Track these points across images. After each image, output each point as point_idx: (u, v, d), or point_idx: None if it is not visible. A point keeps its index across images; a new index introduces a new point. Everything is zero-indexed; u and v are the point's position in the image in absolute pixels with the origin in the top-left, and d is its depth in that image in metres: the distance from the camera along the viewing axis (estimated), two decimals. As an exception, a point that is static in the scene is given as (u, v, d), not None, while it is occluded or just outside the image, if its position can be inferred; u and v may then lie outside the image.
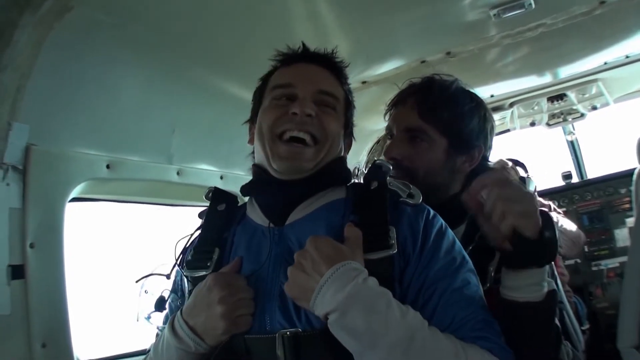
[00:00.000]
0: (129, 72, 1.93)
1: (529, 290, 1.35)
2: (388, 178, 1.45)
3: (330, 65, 1.57)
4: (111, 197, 2.19)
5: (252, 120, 1.61)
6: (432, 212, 1.43)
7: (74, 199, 1.87)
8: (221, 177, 2.52)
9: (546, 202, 3.72)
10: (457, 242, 1.40)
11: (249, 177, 1.59)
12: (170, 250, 1.56)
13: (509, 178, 1.48)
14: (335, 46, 1.59)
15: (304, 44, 1.57)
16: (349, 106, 1.59)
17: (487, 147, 1.85)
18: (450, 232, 1.41)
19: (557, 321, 1.45)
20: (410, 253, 1.33)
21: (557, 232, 1.38)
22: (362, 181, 1.51)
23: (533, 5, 2.13)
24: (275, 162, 1.43)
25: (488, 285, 1.44)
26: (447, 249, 1.35)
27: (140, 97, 2.02)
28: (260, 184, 1.53)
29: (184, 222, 2.45)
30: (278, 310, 1.31)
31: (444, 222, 1.42)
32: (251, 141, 1.59)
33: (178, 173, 2.26)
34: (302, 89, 1.46)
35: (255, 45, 2.01)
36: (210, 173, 2.48)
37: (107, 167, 1.92)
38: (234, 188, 2.40)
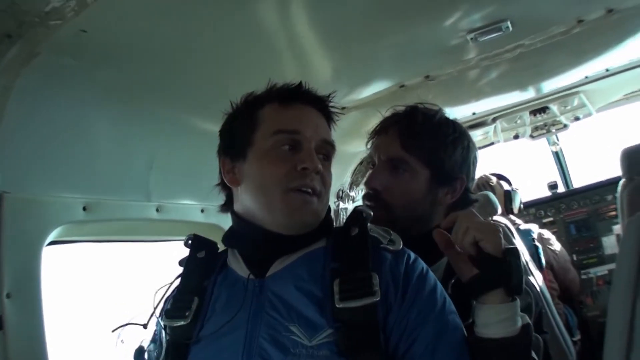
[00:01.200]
0: (101, 113, 1.89)
1: (502, 325, 1.34)
2: (369, 224, 1.42)
3: (327, 110, 1.52)
4: (89, 238, 2.14)
5: (230, 156, 1.50)
6: (412, 256, 1.40)
7: (52, 243, 1.81)
8: (202, 211, 2.47)
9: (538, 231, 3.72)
10: (439, 284, 1.38)
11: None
12: (149, 295, 1.52)
13: (475, 213, 1.49)
14: (334, 91, 1.54)
15: (301, 82, 1.48)
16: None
17: (470, 178, 1.83)
18: (431, 275, 1.39)
19: (534, 354, 1.43)
20: (392, 299, 1.30)
21: (523, 262, 1.40)
22: (347, 205, 1.50)
23: (510, 28, 2.12)
24: (285, 216, 1.39)
25: (471, 320, 1.42)
26: (428, 293, 1.34)
27: (114, 137, 1.97)
28: (245, 236, 1.49)
29: (165, 259, 2.40)
30: None
31: (425, 266, 1.40)
32: (234, 182, 1.50)
33: (157, 210, 2.21)
34: (307, 139, 1.40)
35: (231, 78, 1.98)
36: (190, 207, 2.43)
37: (84, 209, 1.86)
38: (216, 221, 2.38)
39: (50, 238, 1.76)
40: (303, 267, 1.38)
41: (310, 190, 1.38)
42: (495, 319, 1.34)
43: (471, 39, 2.16)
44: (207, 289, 1.46)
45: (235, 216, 1.50)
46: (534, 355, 1.44)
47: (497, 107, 3.44)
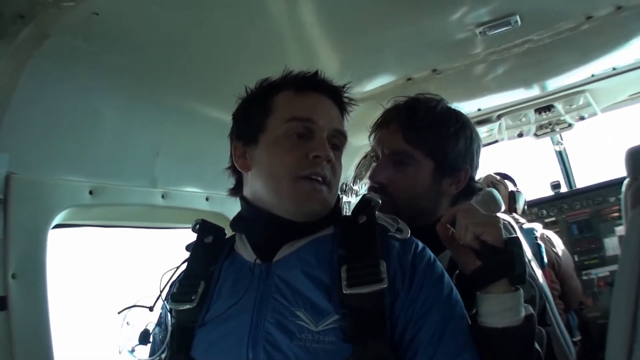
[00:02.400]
0: (109, 97, 1.89)
1: (506, 315, 1.34)
2: (377, 213, 1.43)
3: (341, 101, 1.52)
4: (95, 222, 2.14)
5: (242, 140, 1.51)
6: (420, 245, 1.41)
7: (57, 226, 1.82)
8: (207, 199, 2.47)
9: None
10: (446, 274, 1.39)
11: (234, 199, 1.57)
12: (155, 280, 1.53)
13: (474, 207, 1.49)
14: (349, 82, 1.55)
15: (317, 71, 1.48)
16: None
17: (474, 167, 1.83)
18: (438, 264, 1.40)
19: (537, 345, 1.43)
20: (399, 287, 1.31)
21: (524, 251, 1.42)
22: (350, 199, 1.51)
23: (519, 23, 2.12)
24: (294, 204, 1.39)
25: (475, 310, 1.42)
26: (435, 282, 1.34)
27: (121, 122, 1.98)
28: (253, 221, 1.49)
29: (170, 246, 2.42)
30: (262, 348, 1.27)
31: (432, 255, 1.40)
32: (245, 167, 1.50)
33: (163, 196, 2.22)
34: (320, 127, 1.41)
35: (238, 67, 1.98)
36: (195, 195, 2.43)
37: (90, 193, 1.86)
38: (220, 209, 2.39)
39: (56, 221, 1.76)
40: (310, 252, 1.38)
41: (320, 179, 1.38)
42: (499, 309, 1.34)
43: (479, 32, 2.16)
44: (213, 273, 1.47)
45: (244, 201, 1.51)
46: (537, 346, 1.44)
47: (502, 104, 3.43)
